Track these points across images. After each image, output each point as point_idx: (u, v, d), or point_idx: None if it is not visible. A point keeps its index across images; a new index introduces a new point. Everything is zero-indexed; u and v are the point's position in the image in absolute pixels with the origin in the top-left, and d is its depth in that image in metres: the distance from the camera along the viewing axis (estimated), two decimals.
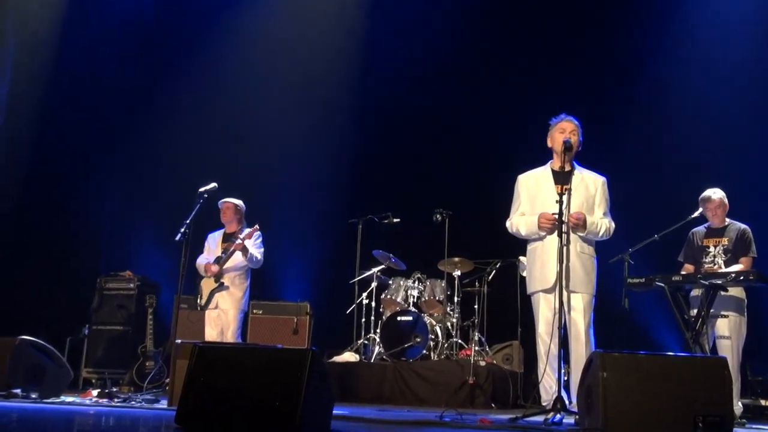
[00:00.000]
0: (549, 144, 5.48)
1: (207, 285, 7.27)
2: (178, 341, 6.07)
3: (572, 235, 5.18)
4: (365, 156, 10.09)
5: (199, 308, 7.28)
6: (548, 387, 5.12)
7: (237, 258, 7.22)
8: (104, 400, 6.27)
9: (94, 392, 6.58)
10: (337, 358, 7.75)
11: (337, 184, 9.92)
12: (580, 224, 5.17)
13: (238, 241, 7.13)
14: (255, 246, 7.28)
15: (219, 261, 7.23)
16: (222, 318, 7.18)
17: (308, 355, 3.60)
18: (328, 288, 9.48)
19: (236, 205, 7.48)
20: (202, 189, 6.76)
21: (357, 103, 10.10)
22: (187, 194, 6.97)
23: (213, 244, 7.47)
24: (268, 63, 10.10)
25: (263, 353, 3.82)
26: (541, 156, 5.60)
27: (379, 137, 10.10)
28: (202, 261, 7.40)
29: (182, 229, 6.49)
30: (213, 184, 6.81)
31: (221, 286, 7.18)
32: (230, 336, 7.12)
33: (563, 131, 5.36)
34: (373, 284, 8.28)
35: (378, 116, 10.11)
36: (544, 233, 5.26)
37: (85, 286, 9.34)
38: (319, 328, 8.88)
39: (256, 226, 7.28)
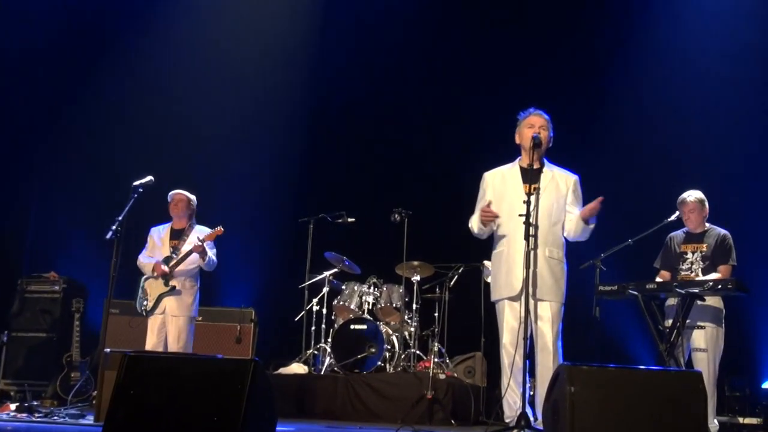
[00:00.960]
0: (517, 140, 5.52)
1: (154, 287, 7.13)
2: (107, 350, 5.99)
3: (540, 239, 5.22)
4: (318, 150, 10.09)
5: (144, 313, 7.13)
6: (512, 402, 5.16)
7: (190, 260, 7.14)
8: (23, 415, 6.16)
9: (12, 406, 6.47)
10: (284, 370, 7.71)
11: (287, 180, 9.89)
12: (595, 213, 5.31)
13: (197, 243, 7.05)
14: (209, 246, 7.22)
15: (169, 261, 7.13)
16: (169, 326, 7.07)
17: (250, 366, 3.58)
18: (275, 293, 9.44)
19: (190, 199, 7.39)
20: (136, 182, 6.68)
21: (309, 94, 10.12)
22: (120, 188, 6.88)
23: (158, 240, 7.34)
24: (210, 56, 10.11)
25: (201, 364, 3.79)
26: (510, 152, 5.64)
27: (333, 130, 10.10)
28: (146, 260, 7.26)
29: (114, 226, 6.39)
30: (149, 177, 6.73)
31: (172, 290, 7.09)
32: (181, 346, 7.01)
33: (532, 126, 5.40)
34: (325, 289, 8.25)
35: (332, 108, 10.12)
36: (486, 228, 5.35)
37: (3, 289, 9.16)
38: (264, 336, 8.83)
39: (220, 228, 7.19)
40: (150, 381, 3.70)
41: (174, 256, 7.12)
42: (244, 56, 10.08)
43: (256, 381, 3.57)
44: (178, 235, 7.28)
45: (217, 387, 3.59)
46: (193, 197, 7.43)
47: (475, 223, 5.45)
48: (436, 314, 8.15)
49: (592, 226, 5.35)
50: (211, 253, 7.20)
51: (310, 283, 8.24)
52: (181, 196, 7.36)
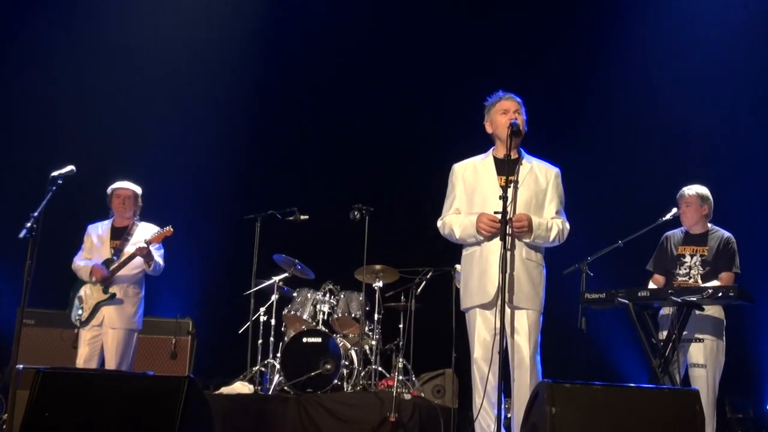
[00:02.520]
0: (489, 129, 5.52)
1: (91, 295, 7.06)
2: (20, 366, 5.91)
3: (517, 239, 5.24)
4: (267, 138, 10.08)
5: (78, 324, 7.05)
6: (485, 425, 5.17)
7: (133, 264, 7.07)
8: None
9: None
10: (226, 389, 7.66)
11: (230, 172, 9.85)
12: (525, 229, 5.23)
13: (141, 245, 6.97)
14: (155, 248, 7.16)
15: (109, 264, 7.05)
16: (107, 339, 6.99)
17: (184, 385, 3.56)
18: (216, 301, 9.40)
19: (136, 194, 7.33)
20: (55, 173, 6.59)
21: (255, 78, 10.17)
22: (35, 180, 6.80)
23: (97, 239, 7.25)
24: (145, 41, 10.11)
25: (128, 381, 3.76)
26: (484, 142, 5.66)
27: (285, 117, 10.10)
28: (82, 262, 7.18)
29: (28, 224, 6.30)
30: (69, 168, 6.63)
31: (112, 299, 7.01)
32: (122, 363, 6.94)
33: (506, 112, 5.41)
34: (273, 297, 8.22)
35: (284, 93, 10.13)
36: (483, 238, 5.30)
37: None
38: (203, 350, 8.79)
39: (170, 228, 7.13)
40: (67, 401, 3.66)
41: (115, 258, 7.05)
42: (184, 41, 10.10)
43: (191, 402, 3.55)
44: (120, 234, 7.22)
45: (146, 408, 3.57)
46: (139, 191, 7.38)
47: (458, 228, 5.40)
48: (401, 326, 8.15)
49: (537, 240, 5.32)
50: (158, 256, 7.15)
51: (257, 290, 8.20)
52: (127, 191, 7.29)
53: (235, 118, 10.06)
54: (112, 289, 7.01)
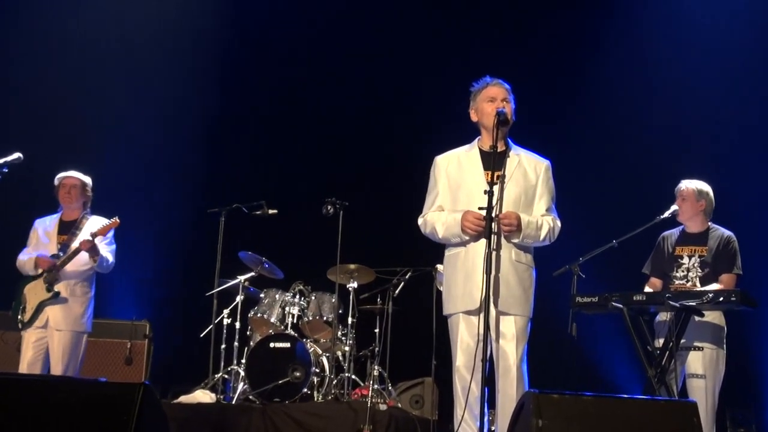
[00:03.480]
0: (474, 117, 5.51)
1: (34, 293, 7.00)
2: None
3: (505, 239, 5.24)
4: (233, 126, 10.08)
5: (19, 326, 7.00)
6: None
7: (81, 260, 7.03)
8: None
9: None
10: (185, 398, 7.64)
11: (193, 161, 9.83)
12: (514, 228, 5.23)
13: (86, 238, 6.93)
14: (105, 243, 7.12)
15: (56, 261, 7.01)
16: (52, 342, 6.95)
17: (138, 392, 3.53)
18: (176, 302, 9.37)
19: (84, 183, 7.28)
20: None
21: (221, 62, 10.22)
22: None
23: (43, 234, 7.20)
24: (99, 22, 10.14)
25: (75, 388, 3.73)
26: (468, 132, 5.65)
27: (252, 102, 10.09)
28: (26, 256, 7.14)
29: None
30: (15, 155, 6.61)
31: (56, 298, 6.96)
32: (69, 368, 6.90)
33: (493, 99, 5.40)
34: (238, 298, 8.21)
35: (250, 76, 10.14)
36: (468, 238, 5.30)
37: None
38: (161, 356, 8.77)
39: (116, 220, 7.10)
40: (8, 409, 3.62)
41: (62, 254, 7.00)
42: (142, 25, 10.15)
43: (146, 411, 3.53)
44: (68, 229, 7.19)
45: (95, 418, 3.54)
46: (88, 180, 7.34)
47: (441, 227, 5.39)
48: (377, 330, 8.17)
49: (526, 240, 5.33)
50: (107, 251, 7.12)
51: (220, 290, 8.18)
52: (73, 179, 7.26)
53: (197, 104, 10.03)
54: (57, 287, 6.96)
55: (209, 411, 7.40)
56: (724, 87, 8.86)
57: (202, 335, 8.15)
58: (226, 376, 8.03)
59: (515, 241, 5.26)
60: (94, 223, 7.19)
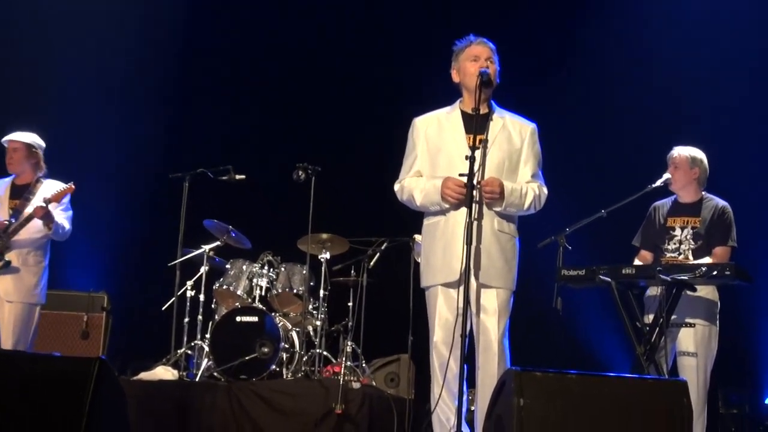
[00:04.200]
0: (455, 78, 5.51)
1: None
2: None
3: (488, 207, 5.24)
4: (196, 84, 10.05)
5: None
6: (444, 419, 5.19)
7: (34, 227, 7.00)
8: None
9: None
10: (146, 375, 7.63)
11: (154, 122, 9.77)
12: (496, 196, 5.23)
13: (39, 204, 6.89)
14: (61, 209, 7.09)
15: (7, 228, 6.98)
16: (2, 314, 6.93)
17: (94, 368, 3.52)
18: (136, 273, 9.35)
19: (28, 146, 7.24)
20: None
21: (182, 21, 10.14)
22: None
23: None
24: None
25: (27, 363, 3.72)
26: (449, 94, 5.64)
27: (216, 57, 10.07)
28: None
29: None
30: None
31: (6, 267, 6.92)
32: (17, 342, 6.89)
33: (476, 59, 5.39)
34: (203, 269, 8.19)
35: (215, 30, 10.04)
36: (448, 206, 5.30)
37: None
38: (120, 330, 8.78)
39: (71, 185, 7.06)
40: None
41: (13, 220, 6.97)
42: None
43: (103, 388, 3.52)
44: (20, 193, 7.17)
45: (48, 395, 3.53)
46: (35, 142, 7.30)
47: (420, 194, 5.38)
48: (351, 304, 8.17)
49: (510, 209, 5.32)
50: (63, 218, 7.10)
51: (183, 261, 8.16)
52: (14, 143, 7.23)
53: (158, 64, 9.96)
54: (8, 256, 6.94)
55: (171, 388, 7.39)
56: (723, 48, 8.86)
57: (164, 308, 8.12)
58: (189, 352, 8.02)
59: (498, 209, 5.26)
60: (49, 187, 7.15)
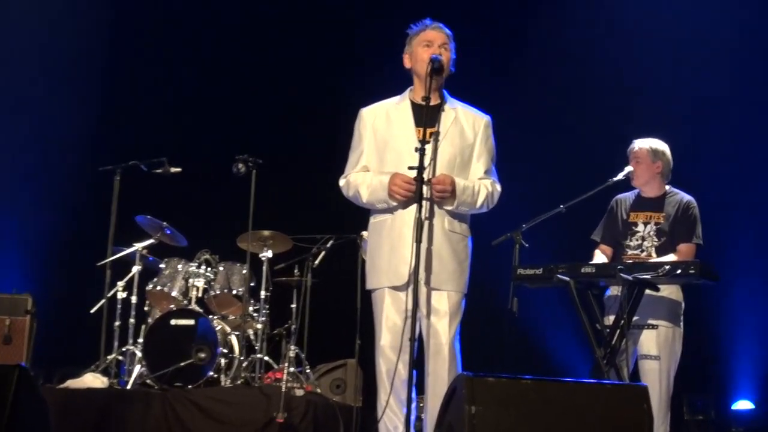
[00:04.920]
0: (407, 63, 5.51)
1: None
2: None
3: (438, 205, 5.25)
4: (127, 71, 10.01)
5: None
6: (392, 427, 5.19)
7: None
8: None
9: None
10: (73, 383, 7.58)
11: (81, 112, 9.70)
12: (447, 194, 5.23)
13: None
14: None
15: None
16: None
17: (13, 376, 3.50)
18: (63, 273, 9.29)
19: None
20: None
21: (109, 6, 10.11)
22: None
23: None
24: None
25: None
26: (401, 82, 5.65)
27: (149, 42, 10.01)
28: None
29: None
30: None
31: None
32: None
33: (429, 44, 5.39)
34: (135, 268, 8.15)
35: (148, 14, 9.98)
36: (396, 203, 5.31)
37: None
38: (45, 334, 8.71)
39: None
40: None
41: None
42: None
43: (23, 397, 3.50)
44: None
45: None
46: None
47: (366, 190, 5.36)
48: (294, 305, 8.17)
49: (462, 207, 5.33)
50: None
51: (114, 260, 8.12)
52: None
53: (86, 50, 9.89)
54: None
55: (101, 397, 7.36)
56: (691, 36, 8.95)
57: (92, 311, 8.07)
58: (120, 358, 7.98)
59: (449, 208, 5.26)
60: None
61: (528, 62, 9.17)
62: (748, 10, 8.80)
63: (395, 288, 5.25)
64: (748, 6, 8.84)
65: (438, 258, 5.19)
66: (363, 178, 5.41)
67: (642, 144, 6.56)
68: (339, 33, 9.70)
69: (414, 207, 5.03)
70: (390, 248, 5.30)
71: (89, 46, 9.96)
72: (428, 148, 5.14)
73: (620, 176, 6.56)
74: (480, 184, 5.36)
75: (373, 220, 5.48)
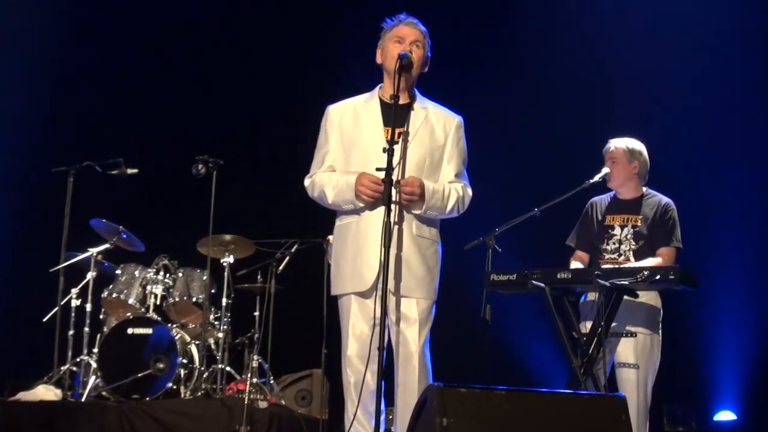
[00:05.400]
0: (378, 59, 5.49)
1: None
2: None
3: (407, 208, 5.25)
4: (81, 68, 9.94)
5: None
6: None
7: None
8: None
9: None
10: (25, 395, 7.54)
11: (31, 109, 9.67)
12: (416, 198, 5.22)
13: None
14: None
15: None
16: None
17: None
18: (13, 280, 9.27)
19: None
20: None
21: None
22: None
23: None
24: None
25: None
26: (372, 78, 5.65)
27: (103, 34, 9.97)
28: None
29: None
30: None
31: None
32: None
33: (401, 40, 5.38)
34: (90, 275, 8.13)
35: (102, 16, 10.03)
36: (362, 204, 5.31)
37: None
38: None
39: None
40: None
41: None
42: None
43: None
44: None
45: None
46: None
47: (332, 191, 5.33)
48: (257, 313, 8.16)
49: (431, 212, 5.30)
50: None
51: (68, 266, 8.08)
52: None
53: (36, 45, 9.83)
54: None
55: (54, 410, 7.33)
56: (672, 32, 9.00)
57: (45, 319, 8.06)
58: (74, 369, 7.97)
59: (417, 212, 5.24)
60: None
61: (501, 61, 9.18)
62: (729, 8, 8.84)
63: (361, 294, 5.24)
64: (728, 4, 8.88)
65: (406, 264, 5.17)
66: (329, 178, 5.39)
67: (618, 144, 6.56)
68: (301, 31, 9.69)
69: (381, 210, 5.01)
70: (354, 252, 5.28)
71: (40, 41, 9.89)
72: (397, 148, 5.11)
73: (597, 178, 6.55)
74: (450, 188, 5.34)
75: (339, 222, 5.47)
